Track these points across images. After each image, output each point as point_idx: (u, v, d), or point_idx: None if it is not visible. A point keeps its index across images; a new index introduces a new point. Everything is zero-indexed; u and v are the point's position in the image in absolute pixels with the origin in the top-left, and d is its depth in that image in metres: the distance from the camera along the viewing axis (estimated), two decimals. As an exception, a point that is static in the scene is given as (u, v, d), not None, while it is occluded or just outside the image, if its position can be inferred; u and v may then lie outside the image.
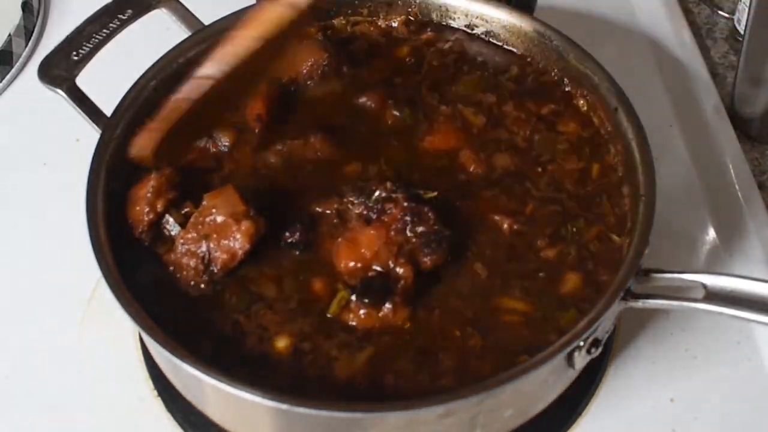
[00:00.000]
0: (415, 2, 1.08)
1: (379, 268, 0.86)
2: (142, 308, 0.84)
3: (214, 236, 0.87)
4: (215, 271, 0.87)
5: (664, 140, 1.16)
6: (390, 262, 0.86)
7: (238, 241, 0.87)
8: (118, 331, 1.01)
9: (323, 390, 0.82)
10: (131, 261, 0.88)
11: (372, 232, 0.87)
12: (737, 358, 1.01)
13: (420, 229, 0.87)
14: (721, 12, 1.34)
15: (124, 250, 0.88)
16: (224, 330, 0.86)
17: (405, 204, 0.88)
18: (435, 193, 0.92)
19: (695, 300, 0.85)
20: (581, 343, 0.82)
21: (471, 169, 0.95)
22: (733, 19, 1.30)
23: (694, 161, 1.15)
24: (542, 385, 0.86)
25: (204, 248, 0.87)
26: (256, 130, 0.98)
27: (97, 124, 0.96)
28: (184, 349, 0.81)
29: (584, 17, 1.30)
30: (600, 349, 0.86)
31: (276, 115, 0.99)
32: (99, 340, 1.02)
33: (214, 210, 0.87)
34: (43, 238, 1.10)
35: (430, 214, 0.88)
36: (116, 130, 0.95)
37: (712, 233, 1.09)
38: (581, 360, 0.84)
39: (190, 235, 0.88)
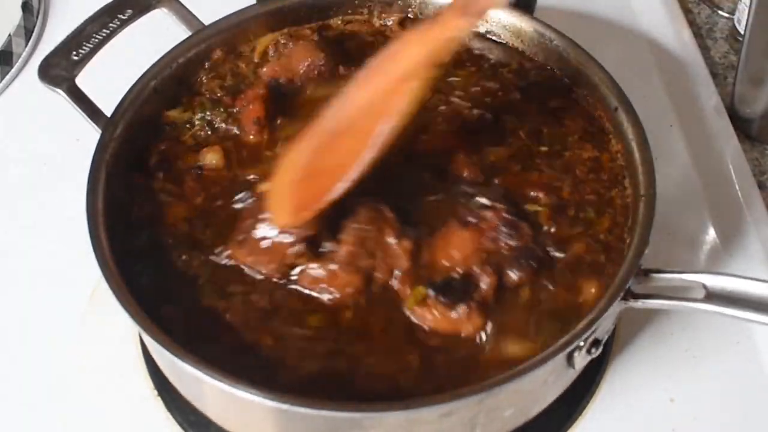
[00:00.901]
0: (414, 2, 1.08)
1: (462, 272, 0.86)
2: (142, 308, 0.83)
3: (378, 254, 0.87)
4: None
5: (664, 140, 1.16)
6: (475, 268, 0.86)
7: (401, 259, 0.87)
8: (118, 331, 1.01)
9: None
10: (131, 261, 0.88)
11: (467, 234, 0.87)
12: (737, 359, 1.01)
13: (514, 243, 0.87)
14: (721, 12, 1.34)
15: (124, 250, 0.88)
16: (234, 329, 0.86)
17: (504, 215, 0.88)
18: (541, 209, 0.92)
19: (695, 300, 0.85)
20: (581, 343, 0.83)
21: (465, 175, 0.94)
22: (733, 19, 1.30)
23: (694, 161, 1.15)
24: (542, 385, 0.86)
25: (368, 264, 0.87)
26: (252, 135, 0.98)
27: (97, 124, 0.96)
28: (183, 349, 0.81)
29: (584, 17, 1.30)
30: (600, 349, 0.86)
31: (273, 117, 0.99)
32: (99, 339, 1.02)
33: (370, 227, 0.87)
34: (44, 237, 1.10)
35: (527, 230, 0.88)
36: (116, 130, 0.95)
37: (712, 233, 1.09)
38: (581, 360, 0.85)
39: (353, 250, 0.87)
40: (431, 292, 0.85)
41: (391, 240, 0.87)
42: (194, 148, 0.98)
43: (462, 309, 0.84)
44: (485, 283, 0.85)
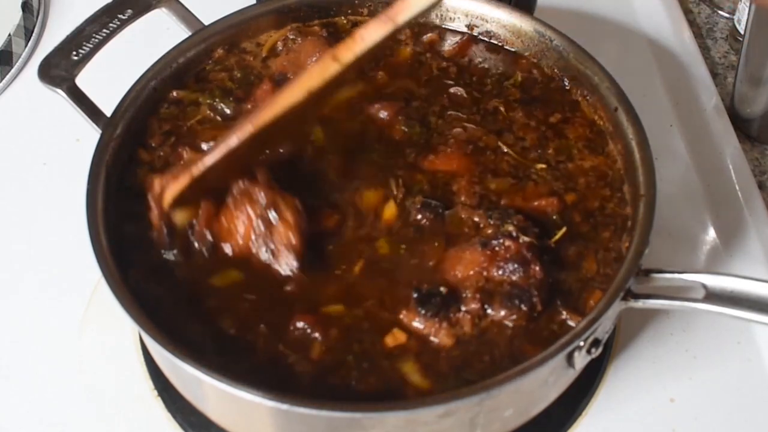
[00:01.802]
0: (414, 2, 1.08)
1: (451, 289, 0.86)
2: (142, 308, 0.83)
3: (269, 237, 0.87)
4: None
5: (665, 140, 1.16)
6: (467, 291, 0.86)
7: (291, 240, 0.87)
8: (118, 331, 1.01)
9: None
10: (131, 260, 0.88)
11: (479, 256, 0.87)
12: (737, 359, 1.00)
13: (516, 279, 0.85)
14: (721, 12, 1.35)
15: (123, 250, 0.88)
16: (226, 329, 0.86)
17: (524, 251, 0.86)
18: (563, 231, 0.90)
19: (695, 300, 0.85)
20: (581, 343, 0.82)
21: (462, 199, 0.93)
22: (733, 19, 1.31)
23: (694, 161, 1.15)
24: (542, 385, 0.85)
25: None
26: None
27: (97, 124, 0.96)
28: (183, 348, 0.81)
29: (585, 17, 1.30)
30: (600, 349, 0.86)
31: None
32: (99, 340, 1.02)
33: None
34: (44, 238, 1.10)
35: (535, 271, 0.86)
36: (116, 130, 0.96)
37: (712, 233, 1.09)
38: (581, 360, 0.84)
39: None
40: (414, 295, 0.85)
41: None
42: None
43: (431, 324, 0.84)
44: (468, 308, 0.85)
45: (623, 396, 0.98)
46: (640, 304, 0.86)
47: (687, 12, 1.34)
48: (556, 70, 1.04)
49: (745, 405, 0.98)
